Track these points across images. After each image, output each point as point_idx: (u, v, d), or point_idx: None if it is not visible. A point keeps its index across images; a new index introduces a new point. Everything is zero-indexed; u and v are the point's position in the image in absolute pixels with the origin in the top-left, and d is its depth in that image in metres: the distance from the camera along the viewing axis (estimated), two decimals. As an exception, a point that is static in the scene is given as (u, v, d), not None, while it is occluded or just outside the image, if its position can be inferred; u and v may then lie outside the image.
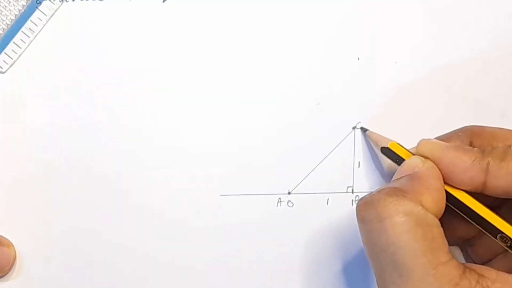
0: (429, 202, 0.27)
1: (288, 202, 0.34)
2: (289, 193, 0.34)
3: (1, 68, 0.33)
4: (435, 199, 0.27)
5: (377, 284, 0.28)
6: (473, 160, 0.28)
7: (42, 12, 0.33)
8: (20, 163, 0.34)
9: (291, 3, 0.34)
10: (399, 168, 0.30)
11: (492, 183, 0.27)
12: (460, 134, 0.31)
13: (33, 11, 0.33)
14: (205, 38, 0.34)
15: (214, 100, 0.34)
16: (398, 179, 0.29)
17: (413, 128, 0.34)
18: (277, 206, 0.34)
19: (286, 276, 0.34)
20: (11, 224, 0.34)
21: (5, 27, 0.33)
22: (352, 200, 0.34)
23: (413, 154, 0.30)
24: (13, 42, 0.33)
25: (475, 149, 0.28)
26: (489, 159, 0.27)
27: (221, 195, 0.34)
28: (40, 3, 0.33)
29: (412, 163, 0.29)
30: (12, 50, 0.33)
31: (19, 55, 0.33)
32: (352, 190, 0.34)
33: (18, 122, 0.34)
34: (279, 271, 0.34)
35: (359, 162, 0.34)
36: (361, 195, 0.34)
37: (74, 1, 0.33)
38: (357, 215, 0.28)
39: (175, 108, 0.34)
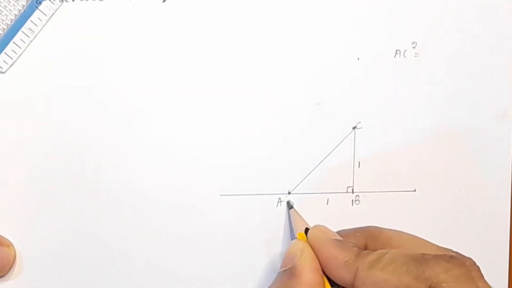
0: None
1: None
2: (289, 193, 0.34)
3: (1, 68, 0.33)
4: None
5: None
6: (346, 261, 0.28)
7: (42, 12, 0.33)
8: (20, 163, 0.34)
9: (291, 4, 0.34)
10: (285, 252, 0.30)
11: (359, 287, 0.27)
12: (358, 234, 0.30)
13: (33, 11, 0.33)
14: (205, 38, 0.34)
15: (214, 100, 0.34)
16: (281, 273, 0.29)
17: (413, 128, 0.34)
18: (277, 206, 0.34)
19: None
20: (11, 224, 0.34)
21: (5, 27, 0.33)
22: (352, 200, 0.34)
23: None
24: (13, 42, 0.33)
25: (355, 248, 0.28)
26: (358, 263, 0.27)
27: (221, 195, 0.34)
28: (40, 3, 0.33)
29: (292, 251, 0.29)
30: (12, 50, 0.33)
31: (19, 55, 0.33)
32: (352, 190, 0.34)
33: (18, 122, 0.34)
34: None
35: (359, 162, 0.34)
36: (361, 195, 0.34)
37: (74, 1, 0.33)
38: None
39: (174, 108, 0.34)
